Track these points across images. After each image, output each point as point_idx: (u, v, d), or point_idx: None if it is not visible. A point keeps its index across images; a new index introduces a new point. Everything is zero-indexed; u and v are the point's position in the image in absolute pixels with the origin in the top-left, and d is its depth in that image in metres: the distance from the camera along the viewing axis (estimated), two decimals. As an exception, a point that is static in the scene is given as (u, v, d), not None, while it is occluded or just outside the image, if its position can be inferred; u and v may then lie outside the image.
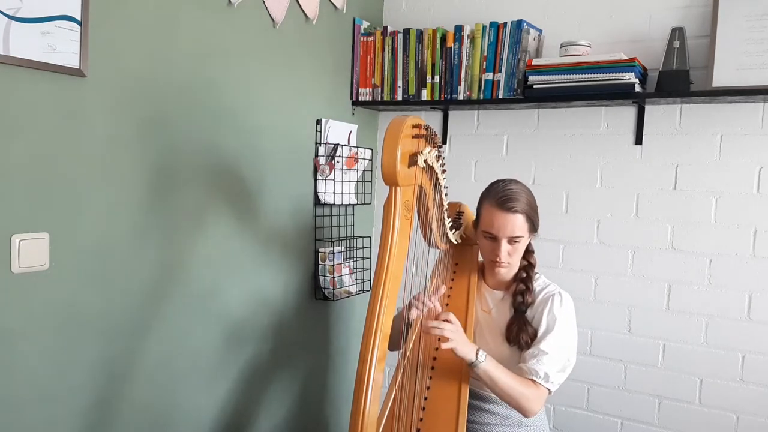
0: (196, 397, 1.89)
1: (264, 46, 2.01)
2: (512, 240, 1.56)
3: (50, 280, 1.45)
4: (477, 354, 1.44)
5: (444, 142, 2.52)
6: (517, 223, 1.54)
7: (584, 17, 2.23)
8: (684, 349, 2.13)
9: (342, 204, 2.40)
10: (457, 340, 1.42)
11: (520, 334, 1.56)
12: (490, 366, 1.45)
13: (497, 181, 1.62)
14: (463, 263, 1.79)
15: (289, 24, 2.10)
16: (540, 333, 1.54)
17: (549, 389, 1.51)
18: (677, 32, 1.98)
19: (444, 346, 1.40)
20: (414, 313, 1.52)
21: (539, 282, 1.65)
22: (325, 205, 2.33)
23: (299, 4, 2.13)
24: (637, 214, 2.18)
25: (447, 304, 1.68)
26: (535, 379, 1.49)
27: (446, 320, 1.42)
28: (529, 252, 1.66)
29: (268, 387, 2.18)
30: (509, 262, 1.59)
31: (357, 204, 2.48)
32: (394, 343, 1.57)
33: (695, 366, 2.11)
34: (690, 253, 2.10)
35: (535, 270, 1.67)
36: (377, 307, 1.11)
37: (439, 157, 1.31)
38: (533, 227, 1.59)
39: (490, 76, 2.23)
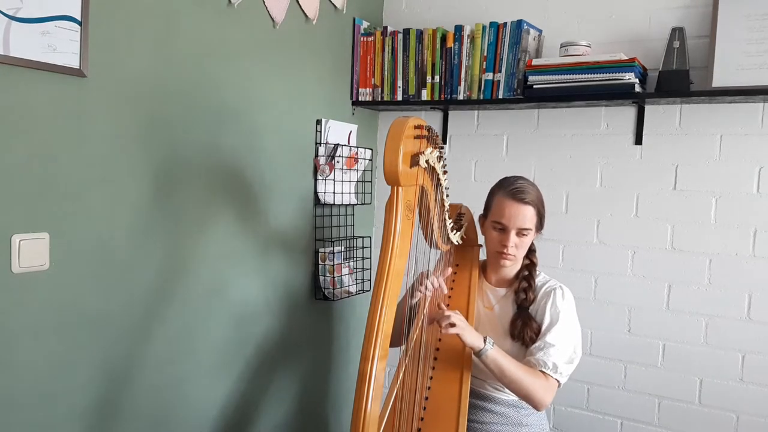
0: (197, 397, 1.89)
1: (264, 46, 2.01)
2: (521, 232, 1.58)
3: (50, 280, 1.45)
4: (485, 341, 1.46)
5: (444, 142, 2.52)
6: (527, 214, 1.56)
7: (584, 17, 2.23)
8: (684, 349, 2.13)
9: (342, 204, 2.40)
10: (463, 327, 1.44)
11: (525, 329, 1.57)
12: (498, 354, 1.46)
13: (508, 176, 1.65)
14: (464, 264, 1.79)
15: (289, 24, 2.10)
16: (544, 326, 1.56)
17: (558, 380, 1.51)
18: (677, 32, 1.98)
19: (451, 331, 1.42)
20: (417, 296, 1.53)
21: (539, 278, 1.67)
22: (325, 205, 2.33)
23: (299, 4, 2.12)
24: (637, 214, 2.18)
25: (448, 305, 1.68)
26: (544, 370, 1.50)
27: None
28: (531, 251, 1.67)
29: (269, 386, 2.18)
30: (515, 255, 1.61)
31: (357, 204, 2.48)
32: (396, 337, 1.57)
33: (695, 366, 2.11)
34: (690, 253, 2.10)
35: (537, 269, 1.68)
36: (379, 306, 1.10)
37: (440, 158, 1.31)
38: (540, 223, 1.61)
39: (490, 76, 2.23)
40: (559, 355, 1.51)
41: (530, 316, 1.59)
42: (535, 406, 1.52)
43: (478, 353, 1.46)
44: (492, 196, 1.64)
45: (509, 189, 1.59)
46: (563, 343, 1.53)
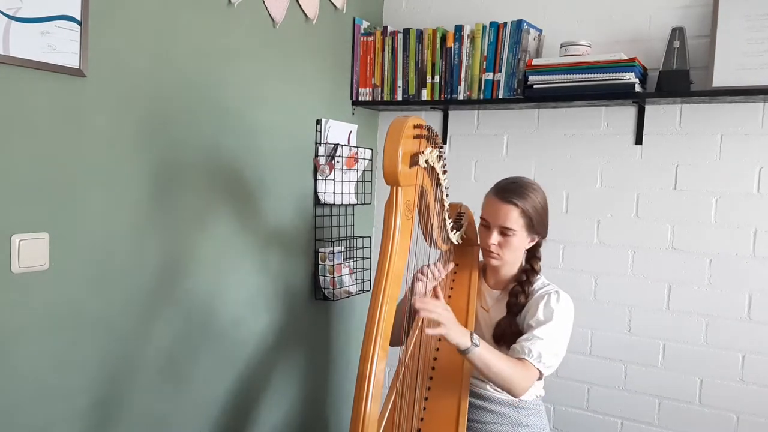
0: (196, 397, 1.89)
1: (264, 46, 2.01)
2: (504, 231, 1.55)
3: (50, 280, 1.45)
4: (472, 338, 1.37)
5: (444, 142, 2.52)
6: (509, 214, 1.53)
7: (584, 17, 2.23)
8: (684, 349, 2.13)
9: (342, 204, 2.40)
10: (448, 325, 1.32)
11: (506, 331, 1.55)
12: (484, 350, 1.39)
13: (509, 177, 1.64)
14: (464, 264, 1.79)
15: (289, 24, 2.10)
16: (535, 323, 1.52)
17: (540, 370, 1.48)
18: (677, 32, 1.98)
19: (434, 332, 1.30)
20: (419, 287, 1.51)
21: (539, 283, 1.64)
22: (325, 205, 2.33)
23: (299, 4, 2.12)
24: (637, 214, 2.18)
25: (447, 305, 1.68)
26: (527, 358, 1.47)
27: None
28: (535, 258, 1.64)
29: (268, 387, 2.18)
30: (499, 254, 1.58)
31: (357, 204, 2.48)
32: (395, 339, 1.57)
33: (695, 366, 2.11)
34: (690, 253, 2.10)
35: (538, 276, 1.66)
36: (378, 307, 1.10)
37: (440, 157, 1.31)
38: (531, 225, 1.56)
39: (490, 76, 2.23)
40: (545, 347, 1.48)
41: (514, 321, 1.57)
42: (513, 395, 1.49)
43: (464, 351, 1.37)
44: (486, 195, 1.64)
45: (498, 187, 1.58)
46: (550, 339, 1.50)
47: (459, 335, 1.35)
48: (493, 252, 1.59)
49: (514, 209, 1.53)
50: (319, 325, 2.41)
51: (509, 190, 1.55)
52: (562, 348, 1.54)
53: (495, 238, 1.57)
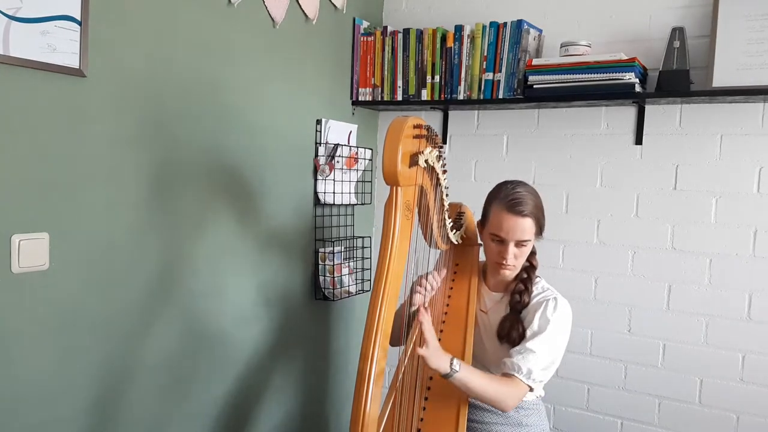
0: (196, 397, 1.89)
1: (264, 46, 2.01)
2: (520, 243, 1.56)
3: (50, 280, 1.45)
4: (452, 364, 1.37)
5: (444, 142, 2.52)
6: (525, 226, 1.53)
7: (584, 17, 2.23)
8: (684, 349, 2.13)
9: (342, 204, 2.40)
10: (430, 351, 1.34)
11: (511, 330, 1.55)
12: (465, 374, 1.39)
13: (505, 183, 1.61)
14: (464, 264, 1.79)
15: (289, 24, 2.10)
16: (530, 333, 1.53)
17: (530, 386, 1.49)
18: (677, 32, 1.98)
19: (418, 351, 1.33)
20: (417, 298, 1.51)
21: (538, 286, 1.64)
22: (325, 205, 2.33)
23: (299, 4, 2.13)
24: (637, 214, 2.18)
25: (447, 305, 1.68)
26: (516, 374, 1.47)
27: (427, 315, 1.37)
28: (531, 254, 1.65)
29: (268, 387, 2.18)
30: (515, 265, 1.59)
31: (357, 204, 2.48)
32: (395, 338, 1.57)
33: (695, 366, 2.11)
34: (690, 253, 2.10)
35: (537, 272, 1.66)
36: (378, 307, 1.10)
37: (440, 157, 1.31)
38: (540, 230, 1.58)
39: (490, 76, 2.23)
40: (536, 362, 1.48)
41: (519, 319, 1.57)
42: (501, 410, 1.50)
43: (445, 376, 1.38)
44: (489, 205, 1.60)
45: (507, 200, 1.54)
46: (543, 352, 1.50)
47: (437, 361, 1.35)
48: (510, 265, 1.58)
49: (529, 220, 1.54)
50: (319, 325, 2.41)
51: (520, 202, 1.53)
52: (556, 359, 1.54)
53: (512, 251, 1.56)
